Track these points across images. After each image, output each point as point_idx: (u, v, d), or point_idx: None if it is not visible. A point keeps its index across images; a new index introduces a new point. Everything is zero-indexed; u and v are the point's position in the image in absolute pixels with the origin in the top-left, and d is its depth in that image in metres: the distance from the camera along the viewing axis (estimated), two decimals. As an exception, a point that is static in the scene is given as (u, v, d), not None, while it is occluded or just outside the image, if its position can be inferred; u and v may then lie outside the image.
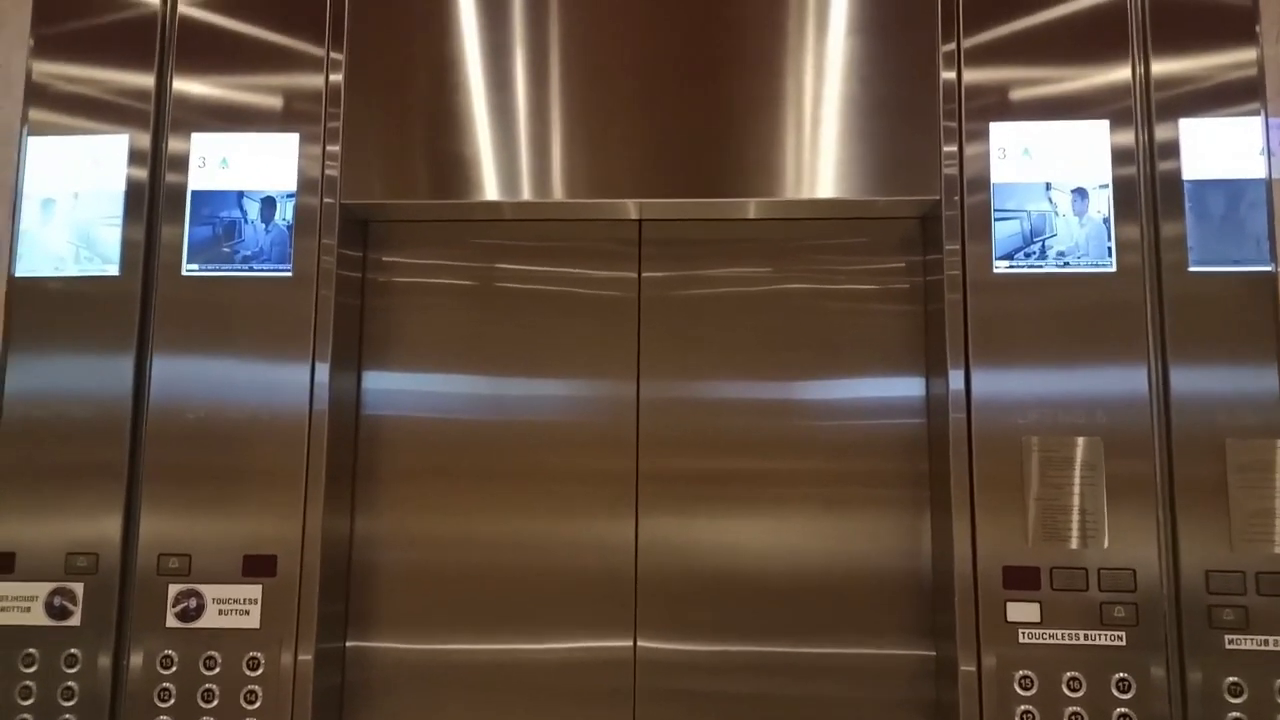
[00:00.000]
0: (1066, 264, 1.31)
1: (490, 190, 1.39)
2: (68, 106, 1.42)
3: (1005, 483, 1.27)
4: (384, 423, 1.47)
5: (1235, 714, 1.21)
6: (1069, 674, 1.23)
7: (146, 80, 1.42)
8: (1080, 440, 1.27)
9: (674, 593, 1.41)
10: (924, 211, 1.42)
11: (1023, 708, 1.23)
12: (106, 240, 1.39)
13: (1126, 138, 1.33)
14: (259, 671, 1.29)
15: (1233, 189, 1.31)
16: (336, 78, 1.41)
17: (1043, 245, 1.32)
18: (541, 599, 1.42)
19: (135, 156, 1.40)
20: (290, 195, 1.39)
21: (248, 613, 1.30)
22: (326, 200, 1.39)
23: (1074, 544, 1.25)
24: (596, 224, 1.48)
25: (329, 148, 1.40)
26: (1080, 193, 1.33)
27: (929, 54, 1.37)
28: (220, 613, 1.30)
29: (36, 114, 1.42)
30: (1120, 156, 1.33)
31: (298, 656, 1.29)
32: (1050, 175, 1.33)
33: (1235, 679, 1.21)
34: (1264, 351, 1.27)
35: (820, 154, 1.36)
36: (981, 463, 1.28)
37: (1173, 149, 1.32)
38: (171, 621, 1.30)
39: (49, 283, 1.38)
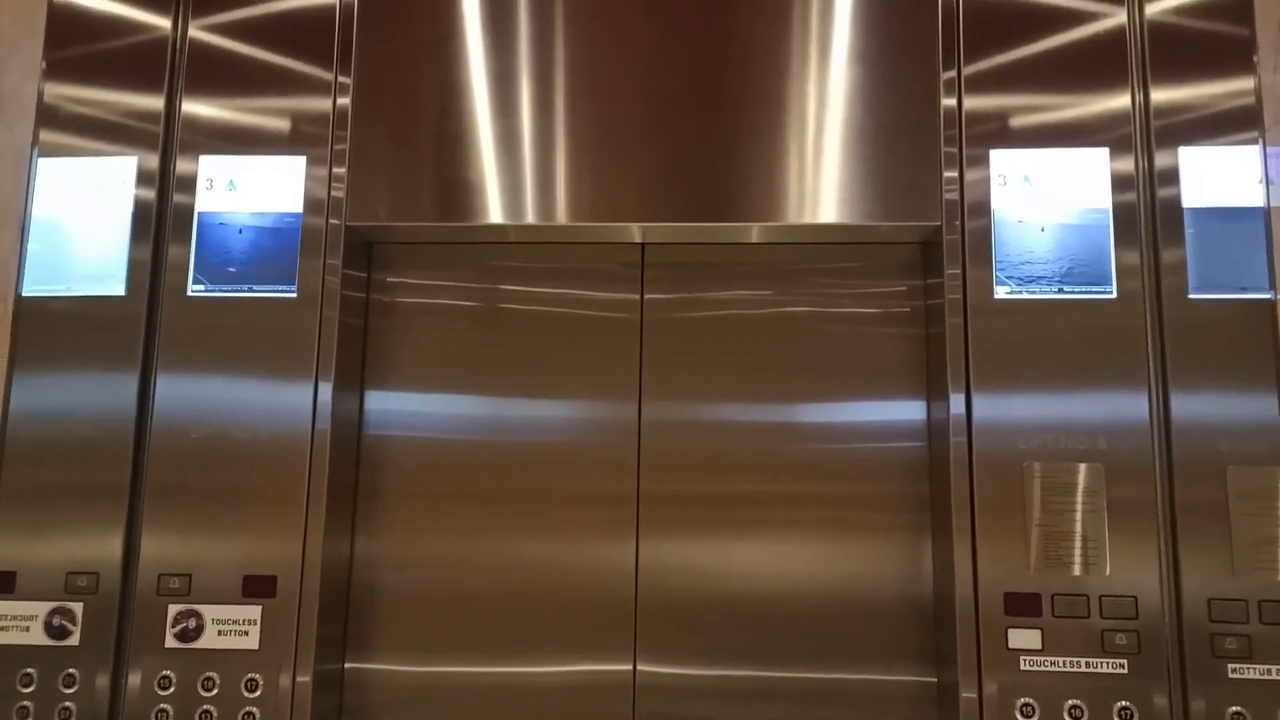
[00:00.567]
0: (1067, 290, 1.32)
1: (495, 214, 1.40)
2: (78, 129, 1.43)
3: (1006, 508, 1.27)
4: (386, 443, 1.47)
5: (1239, 744, 1.20)
6: (1071, 702, 1.22)
7: (156, 103, 1.44)
8: (1082, 467, 1.27)
9: (674, 616, 1.41)
10: (925, 237, 1.43)
11: (1025, 736, 1.22)
12: (113, 260, 1.40)
13: (1126, 165, 1.34)
14: (257, 693, 1.28)
15: (1232, 217, 1.31)
16: (344, 101, 1.43)
17: (1043, 271, 1.32)
18: (541, 621, 1.42)
19: (144, 178, 1.42)
20: (296, 217, 1.40)
21: (247, 633, 1.30)
22: (332, 222, 1.40)
23: (1076, 570, 1.25)
24: (599, 247, 1.49)
25: (335, 170, 1.41)
26: (1080, 219, 1.33)
27: (930, 81, 1.38)
28: (219, 633, 1.30)
29: (47, 136, 1.43)
30: (1120, 184, 1.34)
31: (296, 678, 1.29)
32: (1050, 202, 1.34)
33: (1238, 708, 1.20)
34: (1264, 378, 1.27)
35: (822, 179, 1.38)
36: (982, 487, 1.28)
37: (1172, 176, 1.33)
38: (170, 642, 1.30)
39: (55, 302, 1.39)
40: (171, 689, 1.29)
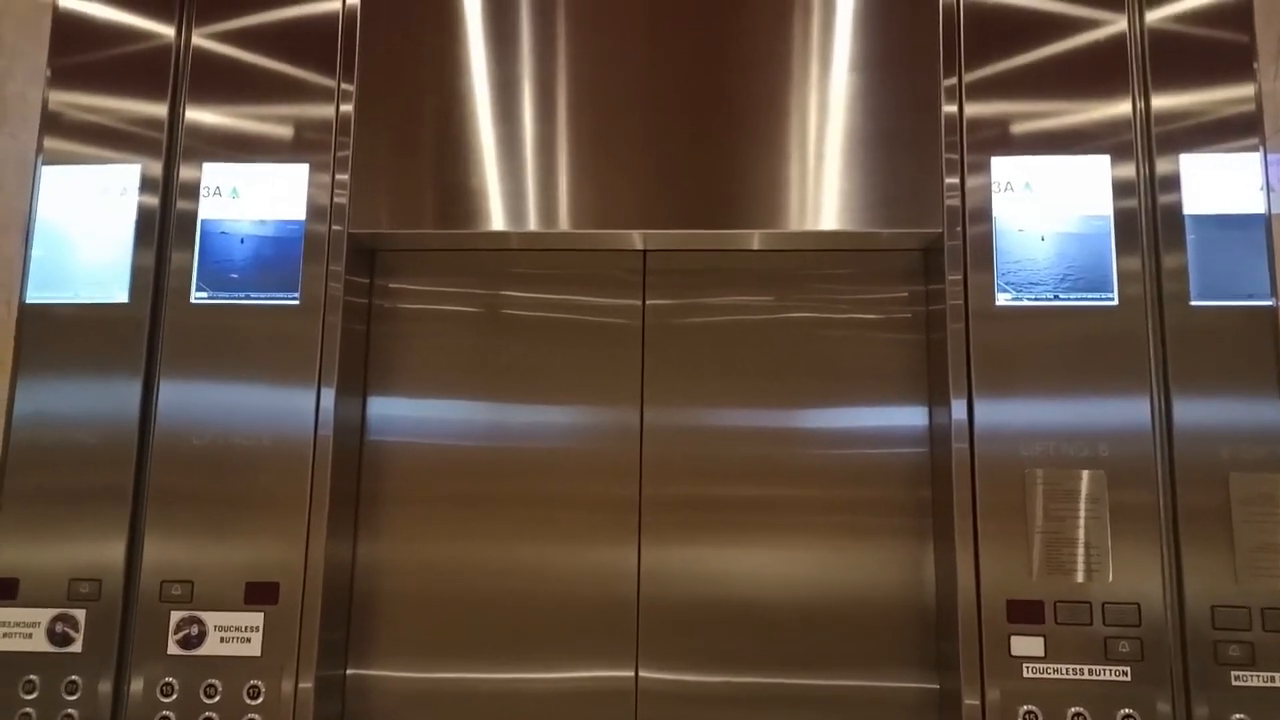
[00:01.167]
0: (1069, 296, 1.32)
1: (497, 220, 1.41)
2: (82, 136, 1.44)
3: (1008, 514, 1.27)
4: (388, 449, 1.47)
5: (1242, 751, 1.20)
6: (1073, 709, 1.22)
7: (160, 110, 1.44)
8: (1084, 474, 1.27)
9: (676, 621, 1.41)
10: (926, 243, 1.43)
11: (1027, 743, 1.22)
12: (116, 267, 1.40)
13: (1127, 172, 1.35)
14: (259, 700, 1.28)
15: (1233, 224, 1.32)
16: (347, 108, 1.43)
17: (1045, 277, 1.32)
18: (543, 627, 1.41)
19: (147, 185, 1.42)
20: (299, 224, 1.41)
21: (249, 640, 1.30)
22: (335, 228, 1.41)
23: (1078, 577, 1.25)
24: (601, 253, 1.50)
25: (338, 177, 1.42)
26: (1082, 226, 1.34)
27: (931, 88, 1.38)
28: (222, 640, 1.30)
29: (51, 143, 1.44)
30: (1121, 190, 1.34)
31: (298, 684, 1.29)
32: (1052, 208, 1.34)
33: (1241, 715, 1.20)
34: (1266, 385, 1.27)
35: (824, 187, 1.38)
36: (984, 493, 1.28)
37: (1173, 183, 1.33)
38: (173, 648, 1.30)
39: (59, 309, 1.39)
40: (174, 696, 1.29)
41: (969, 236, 1.35)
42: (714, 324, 1.48)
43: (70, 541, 1.33)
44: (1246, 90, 1.35)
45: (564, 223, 1.40)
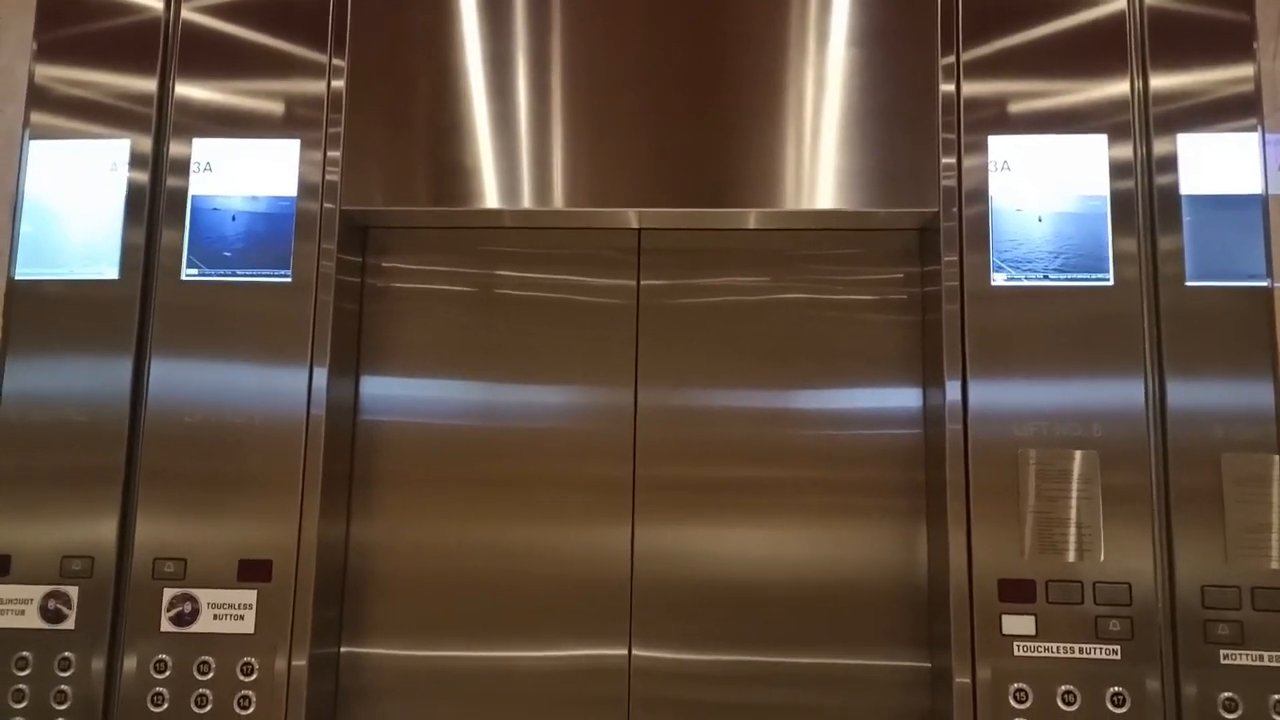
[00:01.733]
0: (1064, 277, 1.31)
1: (491, 198, 1.39)
2: (70, 110, 1.42)
3: (1001, 494, 1.27)
4: (381, 428, 1.47)
5: (1230, 729, 1.21)
6: (1064, 687, 1.23)
7: (149, 85, 1.42)
8: (1077, 454, 1.27)
9: (669, 601, 1.41)
10: (923, 223, 1.43)
11: (1017, 720, 1.23)
12: (106, 244, 1.39)
13: (1124, 152, 1.34)
14: (253, 677, 1.29)
15: (1230, 204, 1.31)
16: (338, 84, 1.42)
17: (1040, 257, 1.32)
18: (536, 606, 1.42)
19: (136, 161, 1.41)
20: (290, 201, 1.39)
21: (242, 618, 1.30)
22: (327, 206, 1.39)
23: (1070, 557, 1.25)
24: (596, 232, 1.49)
25: (330, 153, 1.40)
26: (1078, 206, 1.33)
27: (928, 67, 1.37)
28: (215, 617, 1.30)
29: (39, 118, 1.42)
30: (1118, 170, 1.34)
31: (292, 662, 1.29)
32: (1048, 188, 1.34)
33: (1230, 694, 1.21)
34: (1260, 366, 1.27)
35: (820, 166, 1.37)
36: (978, 474, 1.28)
37: (1170, 163, 1.33)
38: (166, 626, 1.30)
39: (48, 285, 1.38)
40: (167, 672, 1.29)
41: (965, 216, 1.34)
42: (709, 304, 1.48)
43: (62, 519, 1.33)
44: (1246, 70, 1.34)
45: (558, 201, 1.39)
